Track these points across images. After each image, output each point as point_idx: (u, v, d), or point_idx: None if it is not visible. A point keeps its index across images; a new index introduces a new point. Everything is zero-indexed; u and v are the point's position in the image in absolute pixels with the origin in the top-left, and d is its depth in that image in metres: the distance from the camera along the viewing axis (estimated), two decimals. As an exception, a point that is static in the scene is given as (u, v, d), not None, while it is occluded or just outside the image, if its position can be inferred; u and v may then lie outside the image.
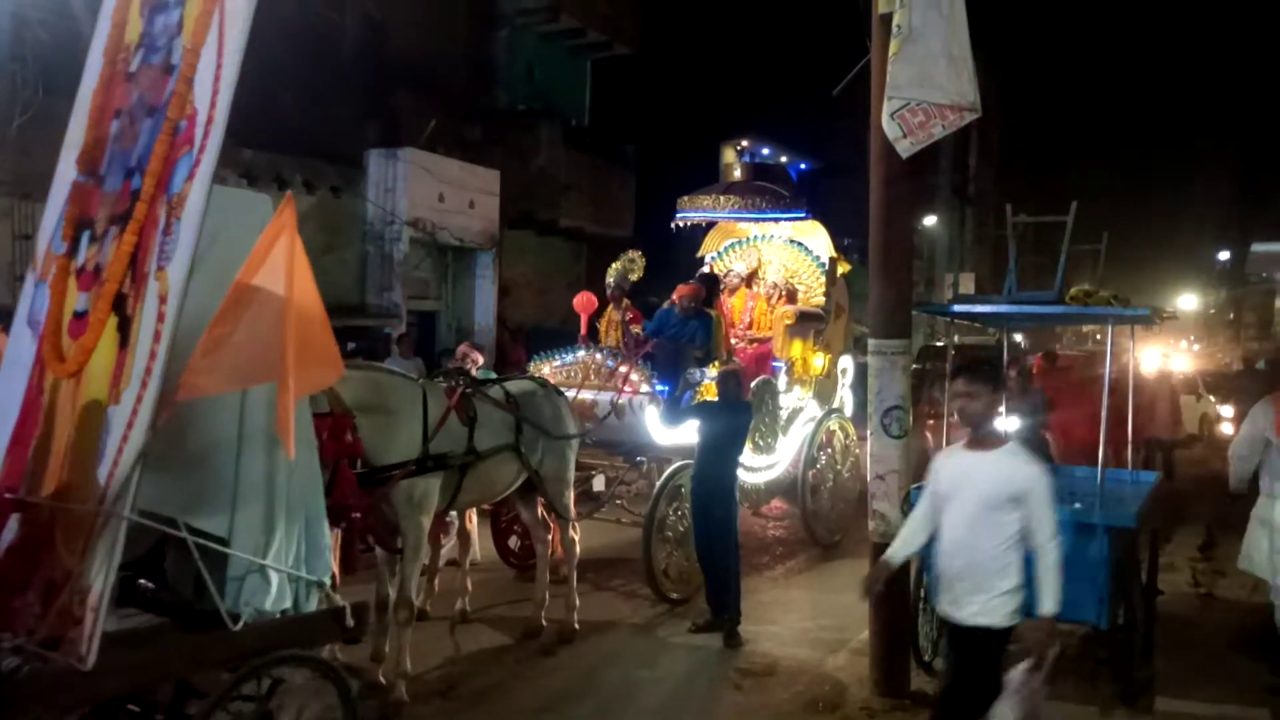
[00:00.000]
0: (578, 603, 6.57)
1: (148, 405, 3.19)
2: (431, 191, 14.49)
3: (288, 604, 3.79)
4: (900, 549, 4.19)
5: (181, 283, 3.23)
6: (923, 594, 5.67)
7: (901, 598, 5.47)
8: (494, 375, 7.63)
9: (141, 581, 3.80)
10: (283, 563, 3.75)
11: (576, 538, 6.71)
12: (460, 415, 5.64)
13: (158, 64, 3.64)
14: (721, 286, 9.54)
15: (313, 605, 3.90)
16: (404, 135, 14.58)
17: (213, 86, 3.34)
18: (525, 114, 17.67)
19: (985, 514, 3.77)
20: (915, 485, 5.62)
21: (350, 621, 3.91)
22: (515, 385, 6.50)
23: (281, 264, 3.35)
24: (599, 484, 8.06)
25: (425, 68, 15.52)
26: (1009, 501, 3.73)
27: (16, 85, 8.65)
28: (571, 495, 6.72)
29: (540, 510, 6.64)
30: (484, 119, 16.71)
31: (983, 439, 3.89)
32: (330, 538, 4.11)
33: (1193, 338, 53.00)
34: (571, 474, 6.64)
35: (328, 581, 3.96)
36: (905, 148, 4.76)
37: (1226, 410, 13.78)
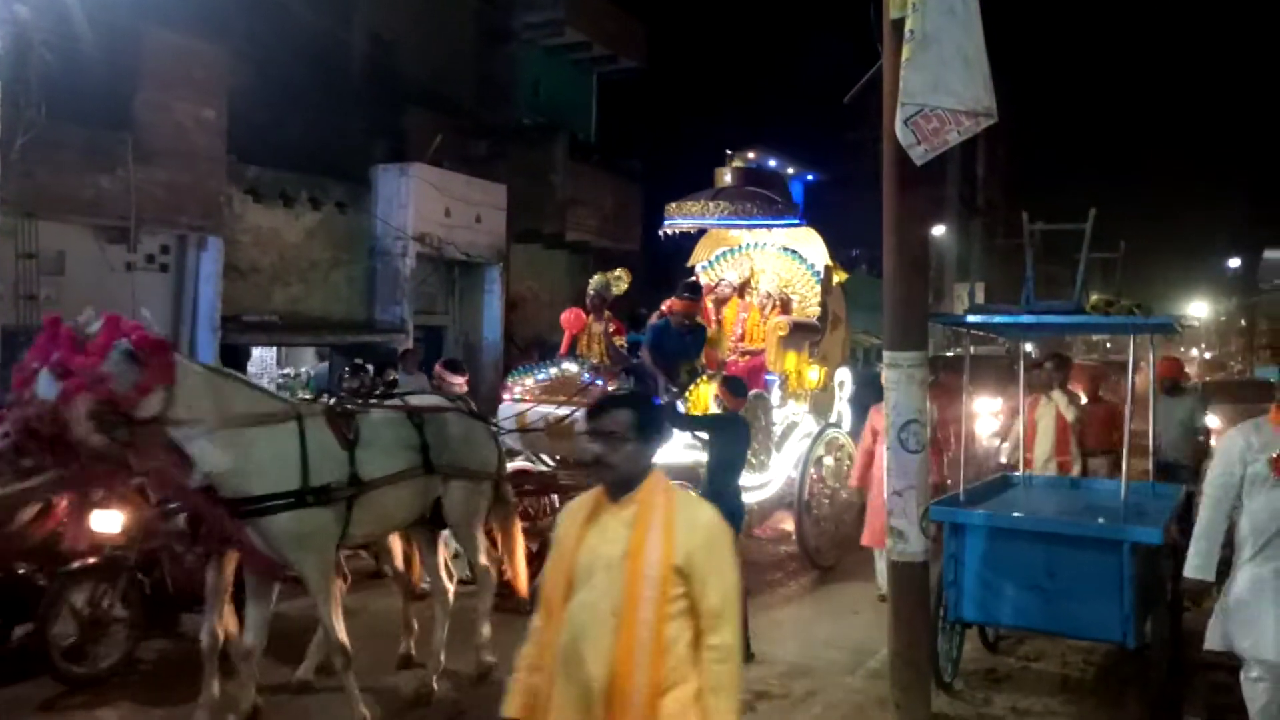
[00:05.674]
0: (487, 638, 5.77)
1: None
2: (438, 206, 14.44)
3: None
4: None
5: None
6: (943, 612, 5.53)
7: (923, 615, 5.33)
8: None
9: None
10: None
11: (490, 567, 5.93)
12: (339, 437, 4.93)
13: None
14: (711, 296, 9.20)
15: None
16: (410, 151, 14.56)
17: None
18: (532, 128, 17.64)
19: None
20: (934, 500, 5.50)
21: None
22: (418, 400, 5.79)
23: None
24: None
25: (432, 83, 15.52)
26: None
27: (20, 106, 8.63)
28: (481, 526, 5.92)
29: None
30: (490, 134, 16.70)
31: None
32: None
33: (1203, 345, 52.77)
34: (484, 501, 5.82)
35: None
36: (919, 154, 4.65)
37: (1212, 420, 11.41)
